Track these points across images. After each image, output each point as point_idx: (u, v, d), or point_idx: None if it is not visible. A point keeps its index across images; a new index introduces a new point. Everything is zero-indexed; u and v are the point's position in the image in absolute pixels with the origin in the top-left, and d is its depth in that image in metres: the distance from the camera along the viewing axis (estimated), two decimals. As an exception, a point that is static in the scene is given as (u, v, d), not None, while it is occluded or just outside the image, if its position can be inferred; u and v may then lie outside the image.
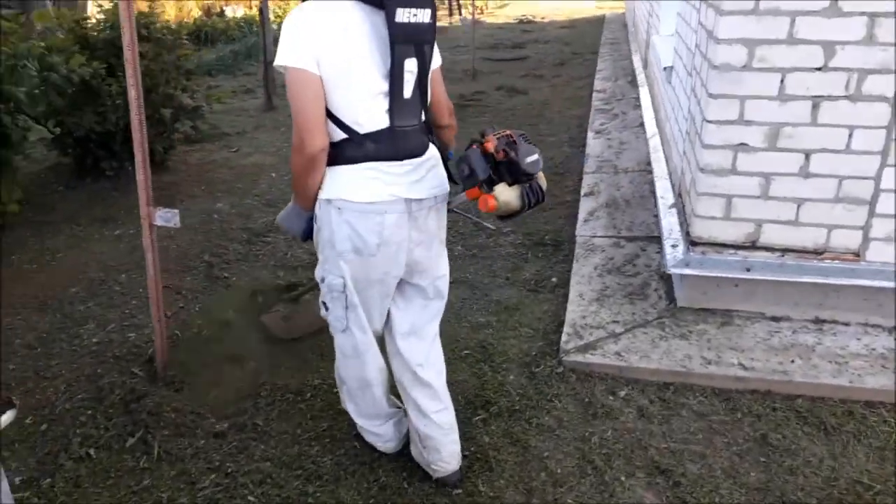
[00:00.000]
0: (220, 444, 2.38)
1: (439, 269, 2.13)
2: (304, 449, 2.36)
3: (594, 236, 3.90)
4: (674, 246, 3.08)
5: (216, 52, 10.72)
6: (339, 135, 1.84)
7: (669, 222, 3.28)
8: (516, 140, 1.84)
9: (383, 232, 1.89)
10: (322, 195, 1.91)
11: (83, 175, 5.02)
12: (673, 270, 2.94)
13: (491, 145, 1.81)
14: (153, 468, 2.28)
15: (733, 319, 2.95)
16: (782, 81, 2.67)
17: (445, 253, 2.17)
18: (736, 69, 2.70)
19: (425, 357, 2.13)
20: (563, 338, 2.91)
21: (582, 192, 4.59)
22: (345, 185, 1.87)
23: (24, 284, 3.52)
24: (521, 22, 15.75)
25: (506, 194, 1.80)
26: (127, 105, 2.46)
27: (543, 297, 3.37)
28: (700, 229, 2.95)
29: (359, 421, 2.29)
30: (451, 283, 3.34)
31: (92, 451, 2.34)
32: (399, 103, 1.85)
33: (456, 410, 2.22)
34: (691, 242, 2.98)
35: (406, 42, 1.81)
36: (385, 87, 1.82)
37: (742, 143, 2.78)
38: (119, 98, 4.67)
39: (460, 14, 16.99)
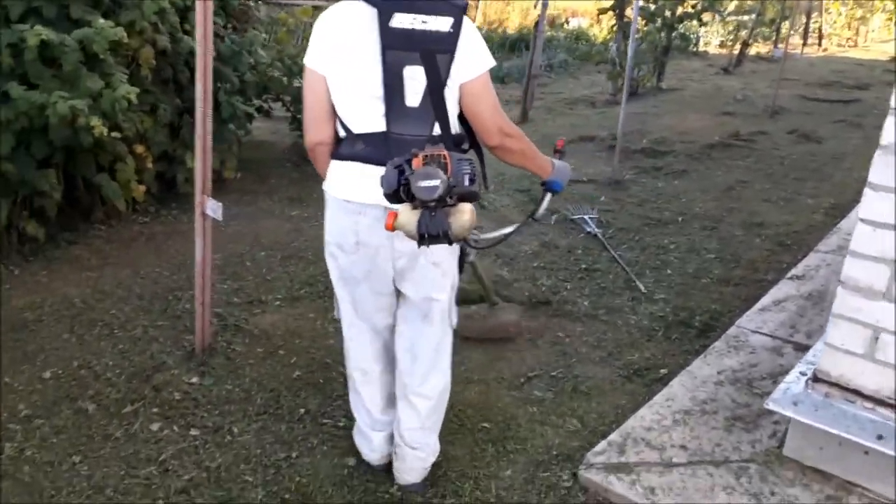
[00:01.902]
0: (183, 439, 2.37)
1: (427, 291, 1.96)
2: (243, 477, 2.23)
3: (756, 331, 3.05)
4: (802, 373, 2.25)
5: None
6: (342, 131, 1.86)
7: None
8: (449, 162, 1.58)
9: (359, 232, 1.87)
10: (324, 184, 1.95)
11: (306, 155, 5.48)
12: (771, 406, 2.14)
13: (417, 162, 1.59)
14: (121, 441, 2.35)
15: (849, 498, 2.05)
16: (981, 175, 1.74)
17: (441, 279, 1.96)
18: (910, 149, 1.84)
19: (418, 376, 2.05)
20: (600, 446, 2.31)
21: (789, 273, 3.64)
22: (332, 178, 1.89)
23: (182, 242, 3.94)
24: (892, 60, 13.22)
25: (404, 216, 1.61)
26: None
27: (632, 388, 2.73)
28: (829, 363, 2.10)
29: (354, 412, 2.23)
30: (539, 345, 2.94)
31: (91, 407, 2.51)
32: (398, 110, 1.77)
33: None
34: (814, 377, 2.14)
35: (405, 49, 1.73)
36: (381, 91, 1.76)
37: (905, 257, 1.89)
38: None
39: (819, 44, 14.87)
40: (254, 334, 3.01)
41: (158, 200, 4.38)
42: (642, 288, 3.54)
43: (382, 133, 1.78)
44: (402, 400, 2.10)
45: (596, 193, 5.07)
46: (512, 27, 15.01)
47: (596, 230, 4.27)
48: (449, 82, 1.76)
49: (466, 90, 1.80)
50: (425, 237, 1.58)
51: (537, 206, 2.13)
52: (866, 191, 1.94)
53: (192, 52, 4.02)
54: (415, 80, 1.75)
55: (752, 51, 12.52)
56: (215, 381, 2.68)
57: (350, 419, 2.30)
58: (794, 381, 2.20)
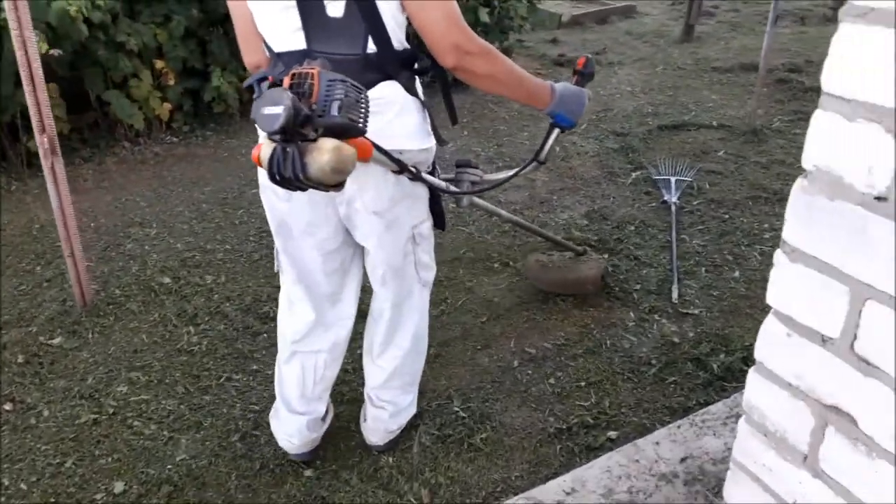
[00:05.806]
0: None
1: (378, 244, 1.63)
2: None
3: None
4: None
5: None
6: (266, 50, 1.52)
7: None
8: (317, 83, 1.23)
9: None
10: None
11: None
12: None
13: (286, 82, 1.26)
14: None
15: None
16: None
17: (388, 233, 1.61)
18: None
19: (383, 334, 1.82)
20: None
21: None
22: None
23: (185, 167, 3.65)
24: None
25: (263, 148, 1.28)
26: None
27: (546, 454, 1.91)
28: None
29: (277, 391, 1.90)
30: (481, 363, 2.24)
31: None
32: (318, 22, 1.40)
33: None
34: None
35: None
36: None
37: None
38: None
39: None
40: (160, 294, 2.63)
41: (197, 119, 4.13)
42: (674, 296, 2.55)
43: (302, 52, 1.42)
44: (366, 356, 1.89)
45: (718, 145, 3.89)
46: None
47: (674, 200, 3.23)
48: None
49: None
50: (276, 177, 1.25)
51: (542, 144, 1.80)
52: (788, 218, 0.95)
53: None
54: None
55: None
56: (80, 346, 2.37)
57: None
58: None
